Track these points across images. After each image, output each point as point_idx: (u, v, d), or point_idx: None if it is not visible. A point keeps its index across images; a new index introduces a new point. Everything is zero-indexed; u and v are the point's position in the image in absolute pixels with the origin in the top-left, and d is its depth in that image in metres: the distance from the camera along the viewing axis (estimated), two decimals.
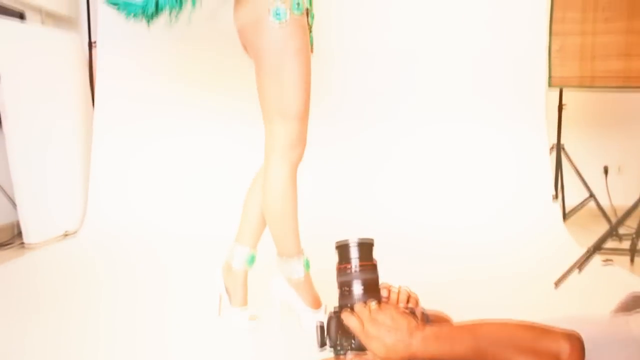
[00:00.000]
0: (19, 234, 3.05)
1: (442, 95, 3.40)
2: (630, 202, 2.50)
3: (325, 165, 3.33)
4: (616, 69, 3.06)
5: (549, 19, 3.15)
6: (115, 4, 1.55)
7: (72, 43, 3.51)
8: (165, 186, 3.40)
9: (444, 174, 3.36)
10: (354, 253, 0.99)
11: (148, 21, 1.54)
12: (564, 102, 3.49)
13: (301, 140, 1.64)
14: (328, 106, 3.27)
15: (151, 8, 1.49)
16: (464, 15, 3.37)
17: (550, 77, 3.14)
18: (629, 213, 2.44)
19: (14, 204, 3.03)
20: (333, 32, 3.22)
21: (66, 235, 3.21)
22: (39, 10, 3.41)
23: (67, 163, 3.35)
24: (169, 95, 3.45)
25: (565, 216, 3.49)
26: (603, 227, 3.29)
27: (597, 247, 2.31)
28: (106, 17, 3.35)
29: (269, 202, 1.66)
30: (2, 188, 3.07)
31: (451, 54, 3.39)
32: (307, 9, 1.61)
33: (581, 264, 2.31)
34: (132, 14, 1.53)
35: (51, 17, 3.55)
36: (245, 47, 1.70)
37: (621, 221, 2.51)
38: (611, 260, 2.54)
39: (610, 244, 2.91)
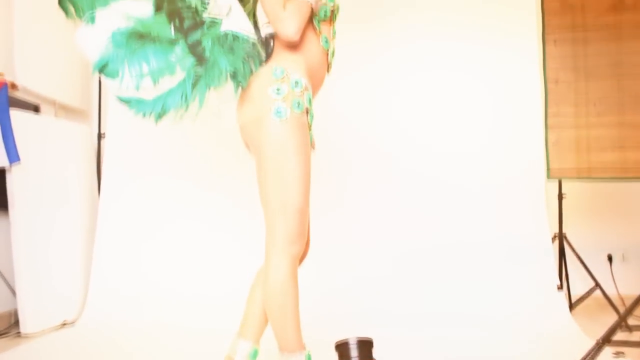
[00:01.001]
0: (16, 322, 3.00)
1: (442, 188, 3.46)
2: (636, 291, 2.46)
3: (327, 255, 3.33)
4: (612, 160, 3.13)
5: (544, 114, 3.26)
6: (127, 102, 1.63)
7: (82, 134, 3.63)
8: (167, 278, 3.38)
9: (446, 264, 3.35)
10: (353, 352, 0.98)
11: (156, 119, 1.61)
12: (563, 191, 3.53)
13: (301, 235, 1.65)
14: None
15: (159, 107, 1.57)
16: (463, 113, 3.50)
17: (548, 169, 3.21)
18: (637, 302, 2.40)
19: (13, 292, 3.00)
20: None
21: (64, 325, 3.15)
22: (52, 103, 3.55)
23: (70, 253, 3.35)
24: (173, 187, 3.52)
25: (571, 306, 3.42)
26: (610, 317, 3.22)
27: (606, 339, 2.25)
28: (115, 111, 3.49)
29: (269, 297, 1.64)
30: (2, 275, 3.06)
31: (451, 151, 3.49)
32: (307, 108, 1.68)
33: (591, 356, 2.24)
34: (142, 112, 1.61)
35: (64, 110, 3.69)
36: (246, 144, 1.77)
37: (630, 311, 2.46)
38: (622, 352, 2.46)
39: (619, 335, 2.84)
